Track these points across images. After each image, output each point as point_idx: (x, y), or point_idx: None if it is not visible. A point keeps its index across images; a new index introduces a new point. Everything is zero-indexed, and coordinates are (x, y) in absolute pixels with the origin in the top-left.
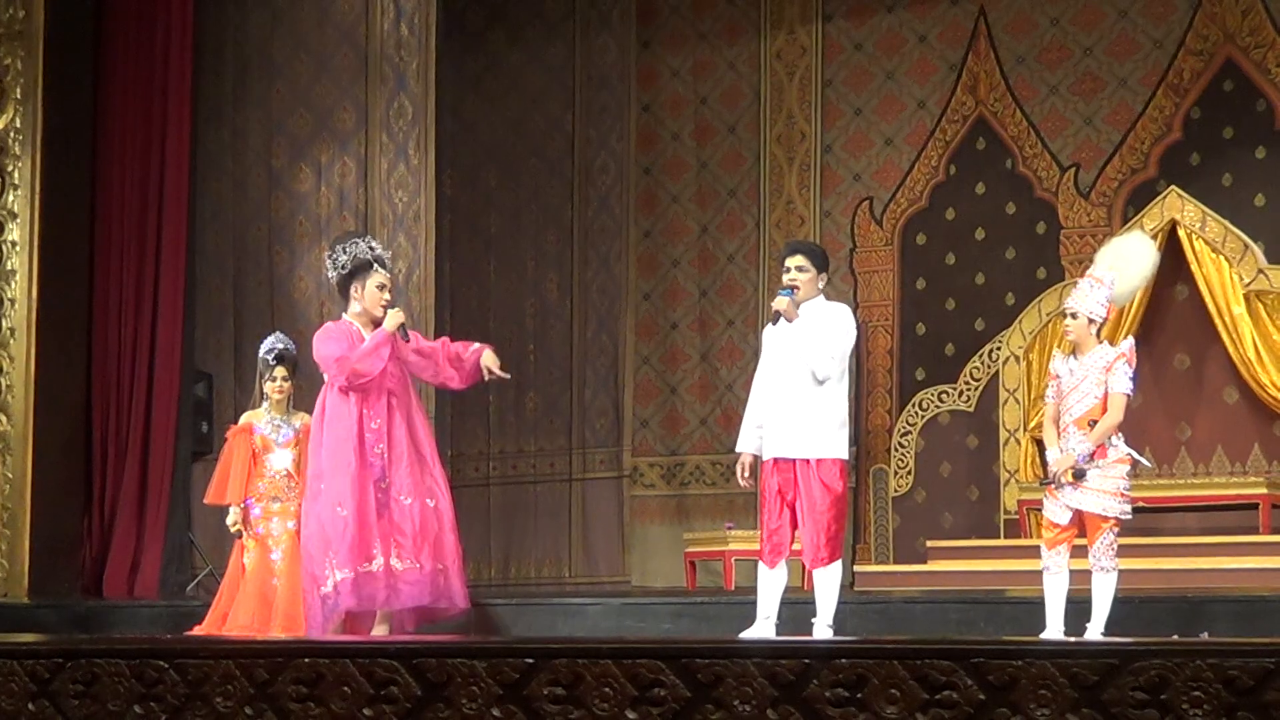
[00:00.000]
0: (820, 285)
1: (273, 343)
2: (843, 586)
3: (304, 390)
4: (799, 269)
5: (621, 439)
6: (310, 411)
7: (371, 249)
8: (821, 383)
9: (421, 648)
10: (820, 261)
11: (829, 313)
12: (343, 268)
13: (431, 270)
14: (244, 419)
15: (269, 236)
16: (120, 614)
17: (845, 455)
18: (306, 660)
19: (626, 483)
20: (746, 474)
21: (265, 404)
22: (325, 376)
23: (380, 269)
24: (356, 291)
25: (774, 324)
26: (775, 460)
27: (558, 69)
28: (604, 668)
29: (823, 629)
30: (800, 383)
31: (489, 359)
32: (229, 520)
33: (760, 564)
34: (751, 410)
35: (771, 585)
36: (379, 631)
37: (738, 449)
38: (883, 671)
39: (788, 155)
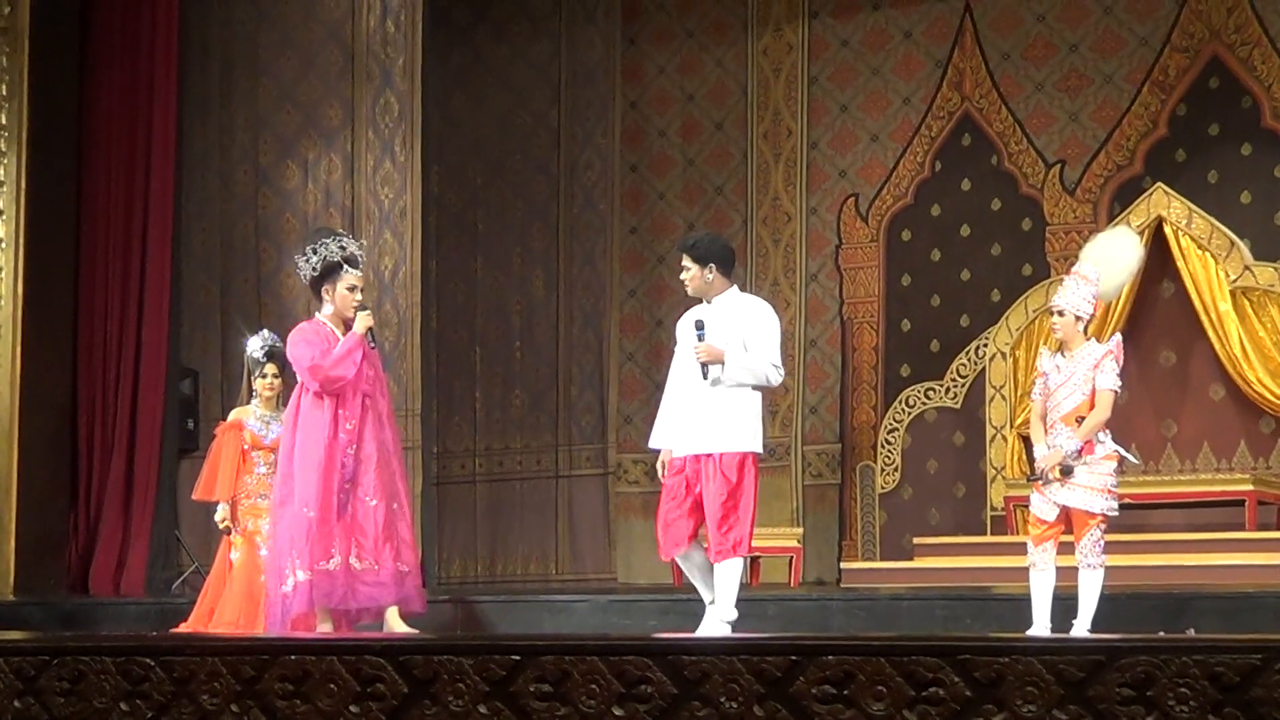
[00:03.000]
0: (709, 278)
1: (263, 340)
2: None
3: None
4: (684, 268)
5: (607, 435)
6: None
7: (343, 249)
8: (758, 388)
9: (409, 645)
10: (701, 255)
11: (749, 313)
12: (314, 269)
13: (418, 267)
14: (233, 416)
15: (255, 234)
16: (106, 611)
17: (753, 448)
18: (293, 658)
19: (612, 479)
20: (665, 471)
21: (254, 401)
22: (298, 378)
23: (351, 269)
24: (328, 293)
25: (704, 378)
26: (685, 456)
27: (543, 65)
28: (590, 664)
29: (718, 623)
30: (732, 384)
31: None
32: (217, 517)
33: (661, 556)
34: (665, 405)
35: (693, 573)
36: (323, 628)
37: (651, 444)
38: (869, 668)
39: (774, 152)
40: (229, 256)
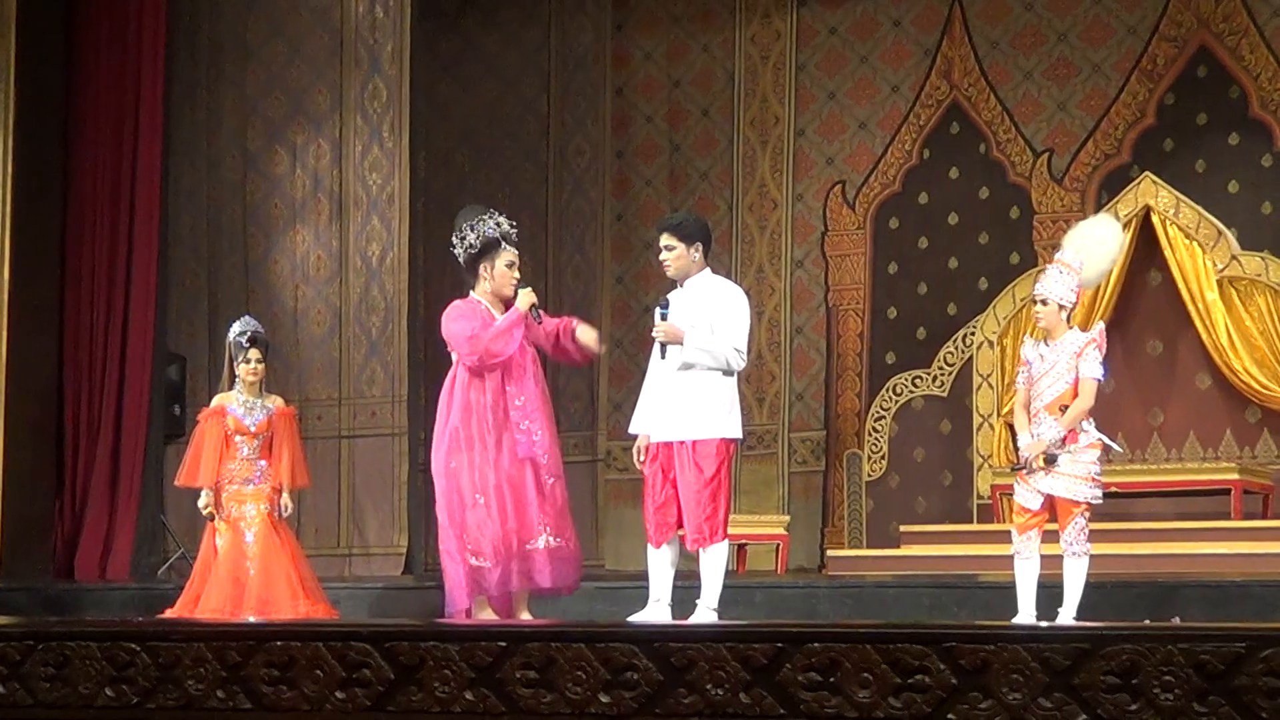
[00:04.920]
0: (695, 257)
1: (245, 325)
2: (821, 571)
3: (277, 373)
4: (666, 248)
5: (596, 423)
6: (281, 395)
7: (498, 225)
8: (730, 373)
9: (394, 631)
10: (689, 234)
11: (720, 296)
12: (471, 247)
13: (405, 253)
14: (216, 401)
15: (243, 219)
16: (92, 597)
17: (728, 435)
18: (279, 643)
19: (600, 466)
20: (642, 457)
21: (237, 386)
22: (453, 356)
23: (509, 246)
24: (485, 270)
25: (661, 357)
26: (660, 443)
27: (532, 52)
28: (577, 651)
29: (704, 611)
30: (688, 365)
31: (585, 335)
32: (200, 503)
33: (649, 545)
34: (645, 390)
35: (659, 566)
36: (483, 616)
37: (630, 429)
38: (855, 655)
39: (761, 139)
40: (216, 242)
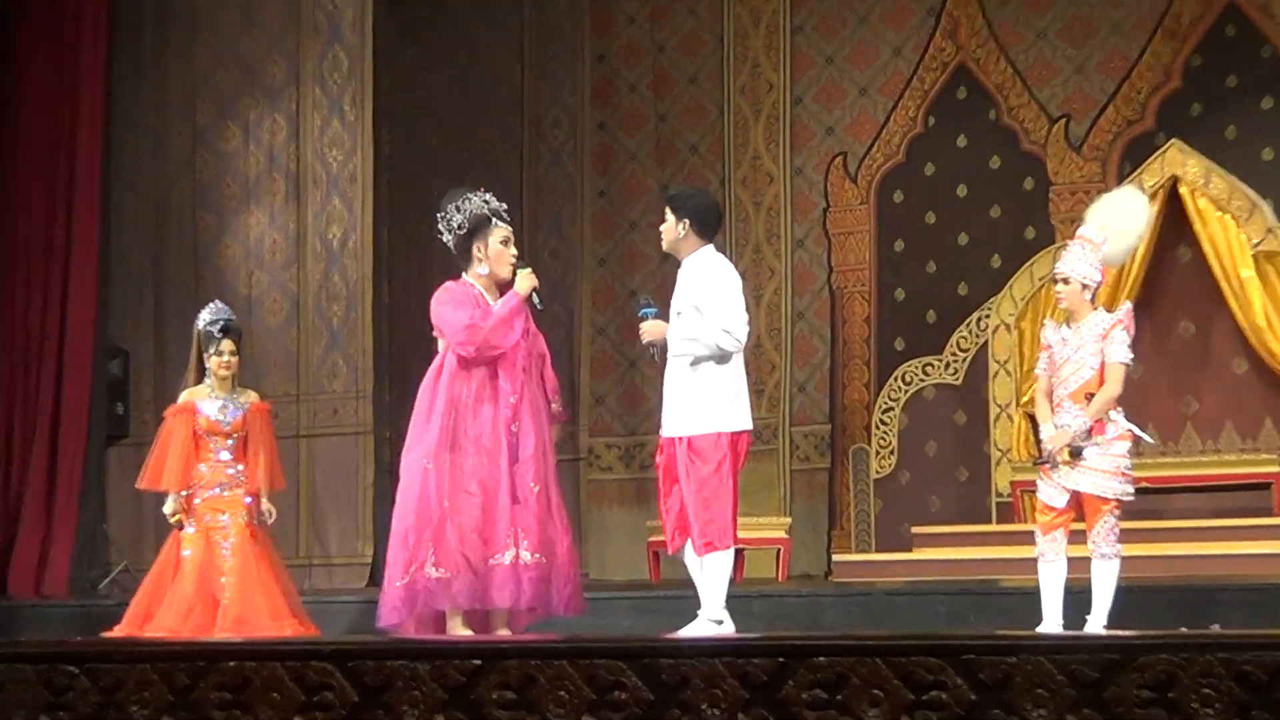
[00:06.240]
0: (682, 233)
1: (216, 312)
2: (826, 577)
3: (247, 367)
4: (664, 219)
5: (577, 417)
6: (255, 389)
7: (486, 202)
8: (726, 358)
9: (358, 649)
10: (679, 206)
11: (703, 274)
12: (460, 227)
13: (369, 236)
14: (184, 397)
15: (192, 199)
16: (27, 614)
17: (727, 427)
18: (231, 664)
19: (582, 465)
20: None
21: (208, 381)
22: (439, 344)
23: (500, 223)
24: (480, 250)
25: (655, 359)
26: (665, 440)
27: (505, 17)
28: (559, 669)
29: (702, 623)
30: (678, 355)
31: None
32: (167, 509)
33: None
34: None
35: (693, 573)
36: (459, 633)
37: None
38: (864, 670)
39: (753, 107)
40: (163, 225)
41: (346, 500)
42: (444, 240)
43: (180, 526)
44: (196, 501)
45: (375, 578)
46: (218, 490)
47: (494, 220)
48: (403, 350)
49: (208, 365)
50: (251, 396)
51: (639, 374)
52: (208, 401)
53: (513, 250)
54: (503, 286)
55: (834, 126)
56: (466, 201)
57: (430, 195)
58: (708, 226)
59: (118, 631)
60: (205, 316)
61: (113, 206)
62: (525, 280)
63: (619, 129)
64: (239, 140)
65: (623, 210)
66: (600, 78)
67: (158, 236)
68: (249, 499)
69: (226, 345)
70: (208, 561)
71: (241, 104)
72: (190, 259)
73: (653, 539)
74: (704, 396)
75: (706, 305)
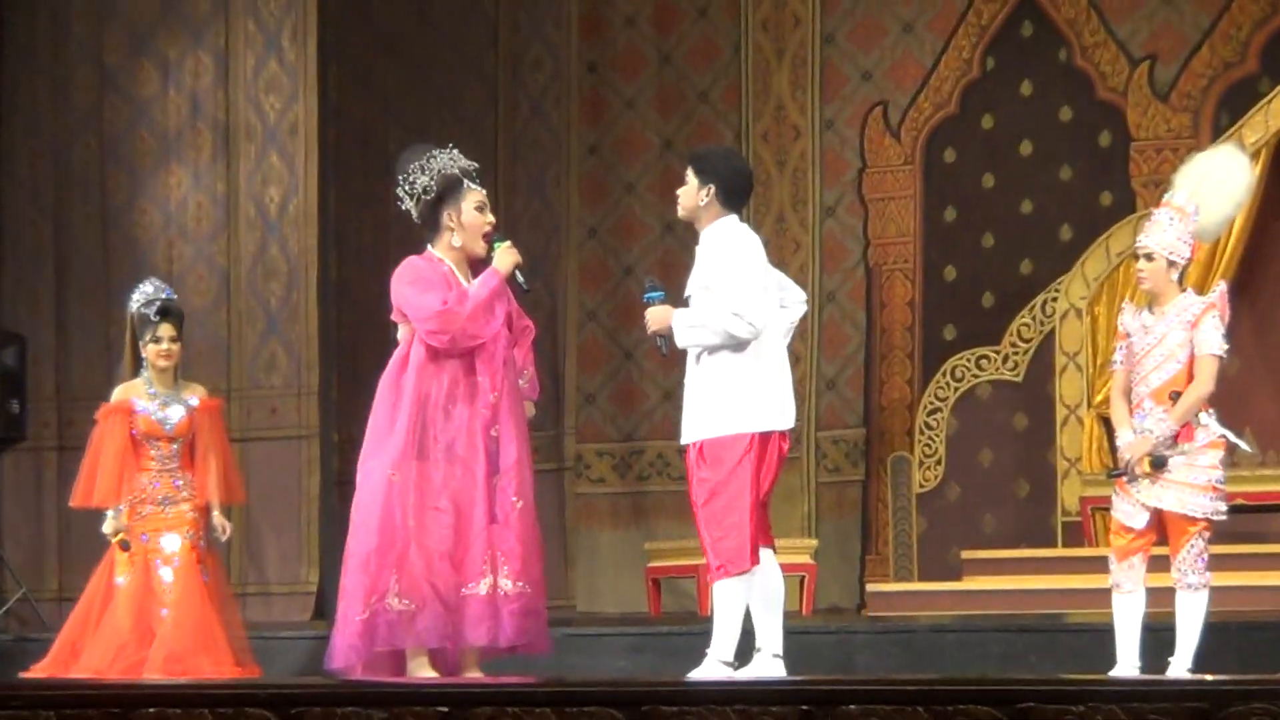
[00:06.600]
0: (704, 199)
1: (152, 291)
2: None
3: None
4: (685, 181)
5: (562, 419)
6: (201, 382)
7: (454, 160)
8: (743, 347)
9: (302, 692)
10: (703, 167)
11: (714, 247)
12: (425, 191)
13: (314, 198)
14: (118, 394)
15: (100, 155)
16: None
17: (743, 429)
18: (152, 710)
19: (568, 476)
20: None
21: (144, 373)
22: (400, 331)
23: (473, 185)
24: (450, 218)
25: (663, 353)
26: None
27: None
28: (541, 717)
29: (711, 664)
30: (684, 346)
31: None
32: (107, 528)
33: None
34: None
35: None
36: (421, 674)
37: None
38: None
39: (776, 47)
40: (64, 186)
41: (287, 517)
42: (404, 207)
43: (125, 547)
44: (135, 520)
45: (322, 609)
46: (160, 507)
47: (465, 182)
48: (354, 338)
49: (144, 355)
50: (199, 392)
51: (636, 368)
52: (145, 399)
53: (489, 218)
54: (474, 262)
55: (872, 71)
56: (432, 160)
57: (387, 151)
58: (735, 195)
59: (38, 671)
60: (138, 297)
61: (4, 164)
62: (506, 255)
63: (613, 71)
64: (157, 84)
65: (617, 170)
66: (590, 10)
67: (58, 200)
68: (194, 514)
69: (165, 330)
70: (144, 589)
71: (159, 40)
72: (98, 227)
73: (653, 564)
74: (718, 393)
75: (716, 284)
